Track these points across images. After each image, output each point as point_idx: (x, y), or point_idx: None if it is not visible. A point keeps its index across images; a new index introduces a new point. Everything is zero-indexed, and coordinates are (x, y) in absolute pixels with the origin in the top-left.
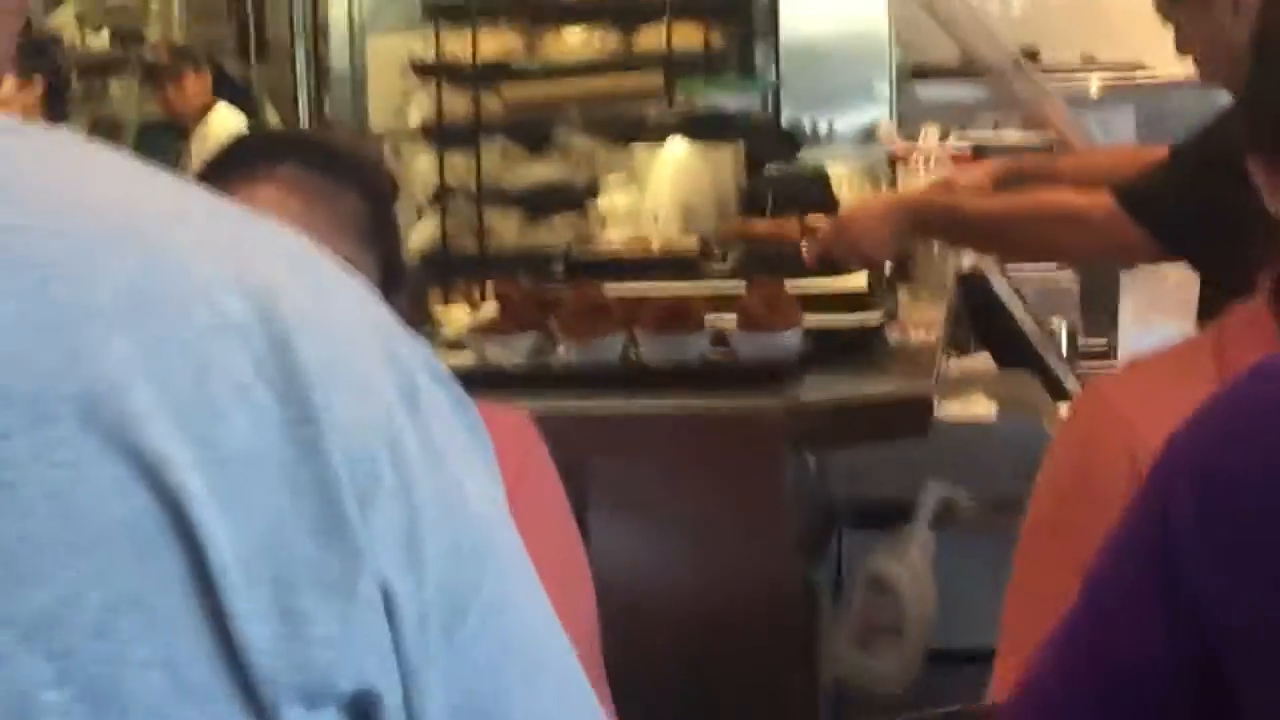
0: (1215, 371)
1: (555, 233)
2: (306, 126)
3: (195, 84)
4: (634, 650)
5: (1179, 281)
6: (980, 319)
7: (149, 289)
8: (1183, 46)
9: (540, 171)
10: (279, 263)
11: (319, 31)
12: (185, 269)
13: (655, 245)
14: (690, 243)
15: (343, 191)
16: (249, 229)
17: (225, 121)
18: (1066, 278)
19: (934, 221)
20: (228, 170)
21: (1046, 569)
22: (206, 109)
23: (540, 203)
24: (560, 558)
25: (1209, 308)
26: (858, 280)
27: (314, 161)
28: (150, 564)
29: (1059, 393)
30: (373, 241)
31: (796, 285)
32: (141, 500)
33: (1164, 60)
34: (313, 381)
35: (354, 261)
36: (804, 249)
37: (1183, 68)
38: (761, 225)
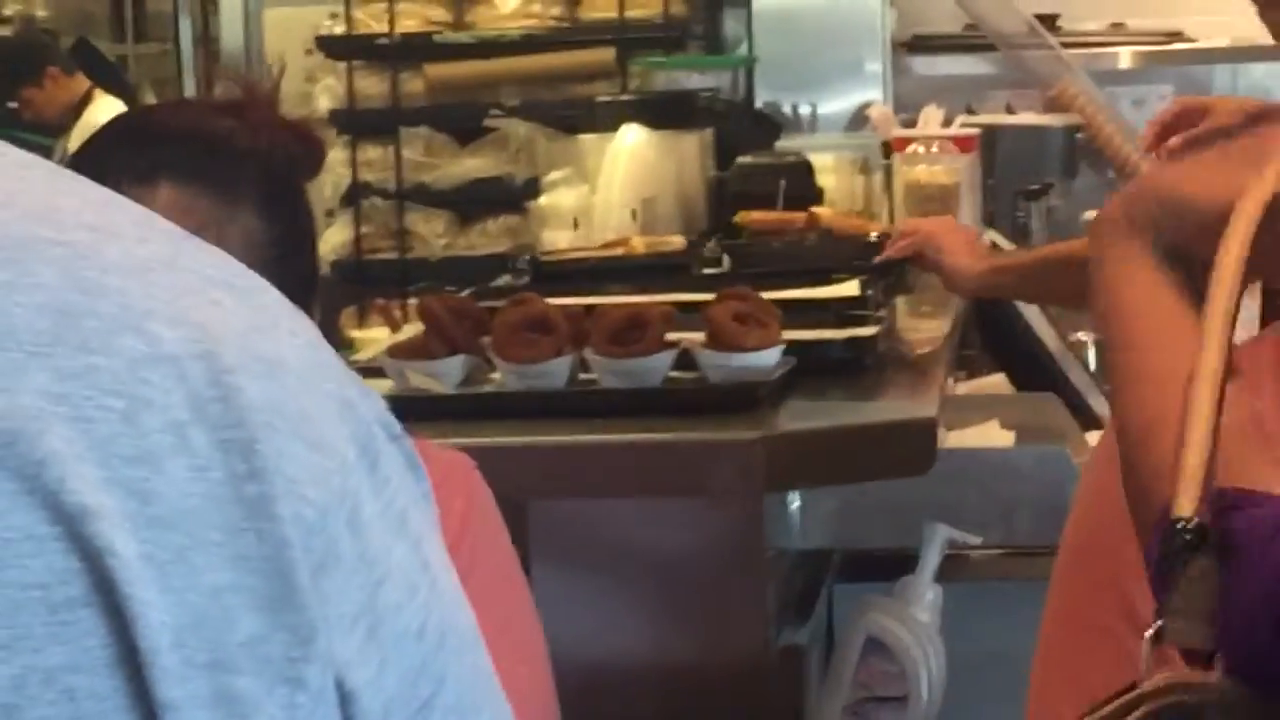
0: (1275, 385)
1: (488, 237)
2: (187, 99)
3: (61, 78)
4: None
5: None
6: (994, 333)
7: (72, 311)
8: None
9: (471, 166)
10: (219, 290)
11: (207, 4)
12: (114, 291)
13: (639, 247)
14: (678, 243)
15: (234, 210)
16: (184, 249)
17: (109, 114)
18: None
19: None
20: None
21: (1085, 617)
22: (83, 102)
23: (471, 202)
24: (514, 627)
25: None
26: (848, 287)
27: (194, 175)
28: (69, 638)
29: (1088, 419)
30: (273, 268)
31: (775, 294)
32: (59, 559)
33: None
34: (260, 429)
35: None
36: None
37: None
38: (765, 216)
